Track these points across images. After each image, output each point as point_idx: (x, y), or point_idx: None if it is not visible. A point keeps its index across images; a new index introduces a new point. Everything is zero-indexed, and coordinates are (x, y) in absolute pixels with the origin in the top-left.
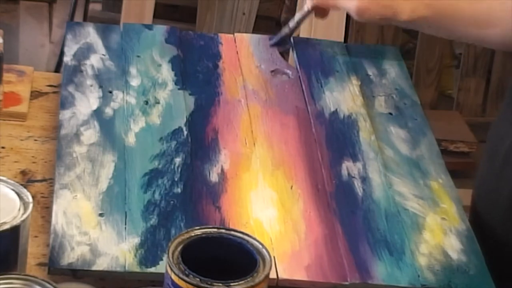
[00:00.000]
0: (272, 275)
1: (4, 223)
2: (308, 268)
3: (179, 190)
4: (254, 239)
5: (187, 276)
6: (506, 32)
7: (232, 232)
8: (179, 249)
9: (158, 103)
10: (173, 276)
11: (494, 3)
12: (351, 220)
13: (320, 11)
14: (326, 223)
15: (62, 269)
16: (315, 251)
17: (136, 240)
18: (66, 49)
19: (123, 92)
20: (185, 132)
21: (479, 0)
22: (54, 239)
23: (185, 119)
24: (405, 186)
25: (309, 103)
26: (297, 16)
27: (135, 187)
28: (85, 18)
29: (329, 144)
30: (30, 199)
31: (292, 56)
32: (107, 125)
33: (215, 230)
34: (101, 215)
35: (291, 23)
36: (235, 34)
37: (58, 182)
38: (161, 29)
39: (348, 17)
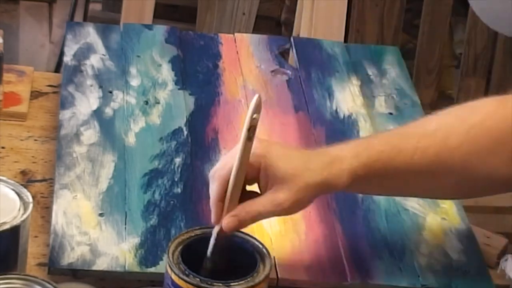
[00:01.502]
0: (272, 275)
1: (4, 223)
2: (308, 268)
3: (179, 190)
4: (254, 239)
5: (187, 276)
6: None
7: (232, 232)
8: (179, 249)
9: (158, 103)
10: (173, 276)
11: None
12: (351, 220)
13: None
14: (326, 223)
15: (62, 269)
16: (315, 251)
17: (136, 240)
18: (66, 49)
19: (123, 92)
20: (185, 132)
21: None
22: (54, 239)
23: (185, 119)
24: None
25: (309, 103)
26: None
27: (135, 187)
28: (85, 18)
29: (329, 144)
30: (30, 199)
31: (292, 56)
32: (107, 125)
33: None
34: (101, 215)
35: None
36: (235, 34)
37: (58, 182)
38: (161, 29)
39: (348, 17)
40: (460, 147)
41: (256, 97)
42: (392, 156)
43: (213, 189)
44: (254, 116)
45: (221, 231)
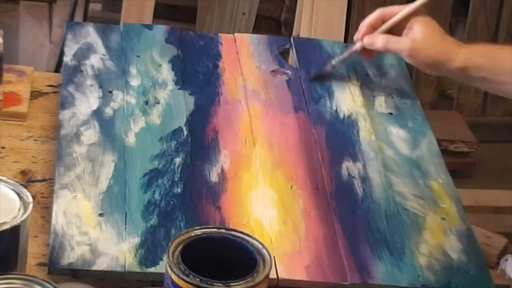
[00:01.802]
0: (272, 275)
1: (4, 223)
2: (308, 268)
3: (179, 190)
4: (254, 239)
5: (187, 276)
6: None
7: (232, 232)
8: (179, 249)
9: (158, 103)
10: (173, 276)
11: None
12: (351, 220)
13: (367, 52)
14: (326, 223)
15: (62, 269)
16: (315, 251)
17: (136, 240)
18: (66, 49)
19: (123, 92)
20: (185, 132)
21: None
22: (54, 239)
23: (185, 119)
24: (405, 186)
25: (309, 103)
26: (343, 54)
27: (135, 187)
28: (85, 18)
29: (329, 144)
30: (30, 199)
31: (292, 56)
32: (107, 125)
33: (215, 230)
34: (101, 215)
35: (335, 60)
36: (235, 34)
37: (58, 182)
38: (161, 29)
39: (348, 17)
40: None
41: None
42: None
43: (372, 15)
44: None
45: (361, 48)
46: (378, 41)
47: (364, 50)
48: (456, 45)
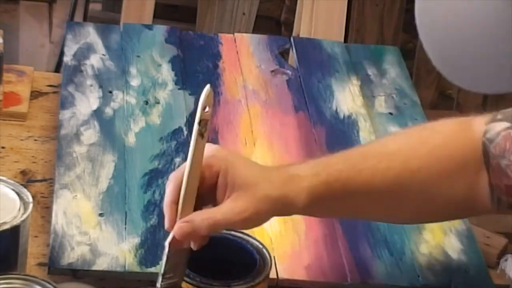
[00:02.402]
0: (272, 275)
1: (4, 223)
2: (308, 268)
3: None
4: (254, 239)
5: (187, 276)
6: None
7: (232, 232)
8: None
9: (158, 103)
10: None
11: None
12: (351, 220)
13: (180, 244)
14: (326, 223)
15: (62, 269)
16: (315, 251)
17: (136, 240)
18: (66, 49)
19: (123, 92)
20: (185, 132)
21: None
22: (54, 239)
23: (185, 119)
24: None
25: (309, 103)
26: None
27: (135, 187)
28: (85, 18)
29: (329, 144)
30: (30, 199)
31: (292, 56)
32: (107, 125)
33: None
34: (101, 215)
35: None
36: (235, 34)
37: (58, 182)
38: (161, 29)
39: (348, 17)
40: (421, 170)
41: (206, 88)
42: (351, 176)
43: (167, 191)
44: (206, 109)
45: (173, 240)
46: (198, 225)
47: (176, 242)
48: (286, 181)
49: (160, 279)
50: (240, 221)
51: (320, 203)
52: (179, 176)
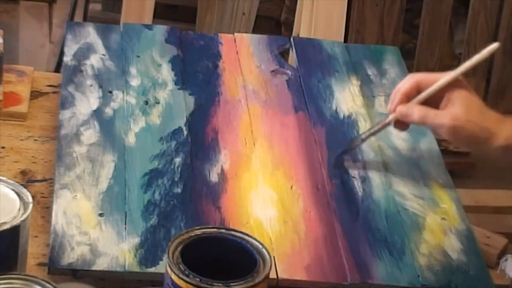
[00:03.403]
0: (272, 275)
1: (4, 223)
2: (308, 268)
3: (179, 190)
4: (254, 239)
5: (187, 276)
6: None
7: (232, 232)
8: (179, 249)
9: (158, 103)
10: (173, 276)
11: None
12: (351, 220)
13: (401, 124)
14: (326, 223)
15: (62, 269)
16: (315, 251)
17: (136, 240)
18: (66, 49)
19: (123, 92)
20: (185, 132)
21: None
22: (54, 239)
23: (185, 119)
24: (405, 186)
25: (309, 103)
26: (374, 127)
27: (135, 187)
28: (85, 18)
29: (329, 144)
30: (30, 199)
31: (292, 56)
32: (107, 125)
33: (215, 230)
34: (101, 215)
35: (364, 134)
36: (235, 34)
37: (58, 182)
38: (161, 29)
39: (348, 17)
40: None
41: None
42: None
43: (406, 83)
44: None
45: (396, 121)
46: (414, 113)
47: (399, 122)
48: (497, 121)
49: (359, 140)
50: (446, 126)
51: None
52: (423, 78)
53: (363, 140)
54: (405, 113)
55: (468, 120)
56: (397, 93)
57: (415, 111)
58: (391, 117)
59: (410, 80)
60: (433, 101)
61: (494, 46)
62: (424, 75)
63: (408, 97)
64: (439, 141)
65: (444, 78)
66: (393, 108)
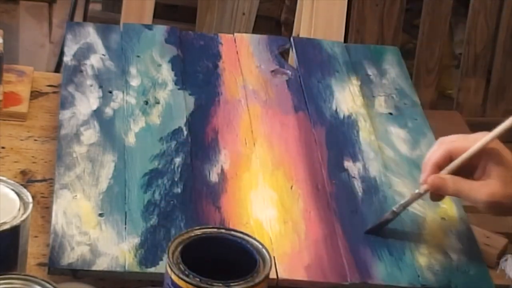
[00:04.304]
0: (272, 275)
1: (4, 223)
2: (308, 268)
3: (179, 190)
4: (254, 239)
5: (187, 276)
6: None
7: (232, 232)
8: (179, 249)
9: (158, 103)
10: (173, 276)
11: None
12: (351, 220)
13: (435, 195)
14: (326, 223)
15: (62, 269)
16: (315, 251)
17: (136, 240)
18: (66, 49)
19: (123, 92)
20: (185, 132)
21: None
22: (54, 239)
23: (185, 119)
24: (405, 186)
25: (309, 103)
26: (406, 200)
27: (135, 187)
28: (85, 18)
29: (329, 144)
30: (30, 199)
31: (292, 56)
32: (107, 125)
33: (215, 230)
34: (101, 215)
35: (396, 208)
36: (235, 34)
37: (58, 182)
38: (161, 29)
39: (348, 17)
40: None
41: None
42: None
43: (437, 152)
44: None
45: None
46: (447, 185)
47: (432, 193)
48: None
49: (391, 214)
50: (482, 201)
51: None
52: (455, 147)
53: (396, 214)
54: (437, 186)
55: (506, 195)
56: (428, 163)
57: (449, 183)
58: (423, 188)
59: (440, 148)
60: (467, 170)
61: None
62: (455, 142)
63: (440, 167)
64: None
65: (474, 146)
66: (425, 178)
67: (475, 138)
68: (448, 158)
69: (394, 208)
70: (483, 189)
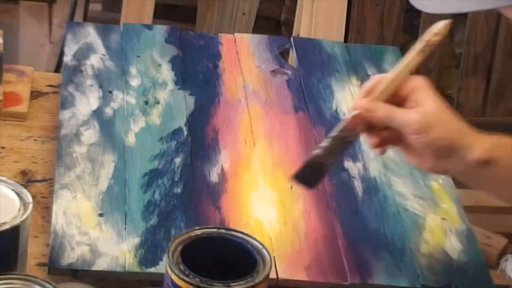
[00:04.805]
0: (272, 275)
1: (4, 223)
2: (308, 268)
3: (179, 190)
4: (254, 239)
5: (187, 276)
6: None
7: (232, 232)
8: (179, 249)
9: (158, 103)
10: (173, 276)
11: None
12: (351, 220)
13: (373, 134)
14: (326, 223)
15: (62, 269)
16: (315, 251)
17: (136, 240)
18: (66, 49)
19: (123, 92)
20: (185, 132)
21: None
22: (54, 239)
23: (185, 119)
24: (405, 186)
25: (309, 103)
26: (335, 129)
27: (135, 187)
28: (85, 18)
29: None
30: (30, 199)
31: (292, 56)
32: (107, 125)
33: (215, 230)
34: (101, 215)
35: (326, 141)
36: (235, 34)
37: (58, 182)
38: (161, 29)
39: (348, 17)
40: None
41: (446, 21)
42: None
43: (368, 82)
44: (436, 33)
45: (354, 117)
46: (379, 108)
47: (369, 130)
48: (474, 131)
49: (322, 145)
50: (416, 121)
51: (495, 168)
52: (381, 77)
53: (326, 148)
54: (367, 107)
55: (439, 119)
56: (359, 92)
57: (380, 106)
58: (352, 113)
59: (372, 79)
60: (397, 102)
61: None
62: (386, 74)
63: (369, 95)
64: None
65: (397, 68)
66: (355, 104)
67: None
68: (375, 86)
69: (323, 143)
70: (417, 112)
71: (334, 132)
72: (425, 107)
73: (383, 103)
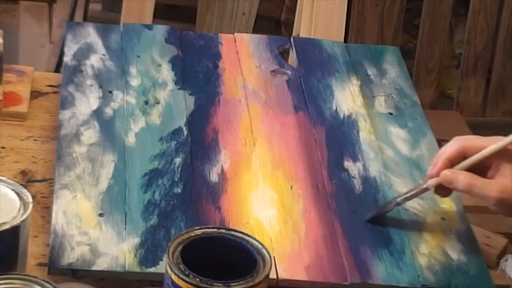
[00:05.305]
0: (272, 275)
1: (4, 223)
2: (308, 268)
3: (179, 190)
4: (254, 239)
5: (187, 276)
6: None
7: (232, 232)
8: (179, 249)
9: (158, 103)
10: (173, 276)
11: None
12: (351, 220)
13: (442, 190)
14: (326, 223)
15: (62, 269)
16: (315, 251)
17: (136, 240)
18: (66, 49)
19: (123, 92)
20: (185, 132)
21: None
22: (54, 239)
23: (185, 119)
24: (405, 186)
25: (309, 103)
26: (411, 192)
27: (135, 187)
28: (85, 18)
29: (329, 144)
30: (30, 199)
31: (292, 56)
32: (107, 125)
33: (215, 230)
34: (101, 215)
35: (400, 198)
36: (235, 34)
37: (58, 182)
38: (161, 29)
39: (348, 17)
40: None
41: None
42: None
43: (451, 148)
44: None
45: (436, 188)
46: (460, 180)
47: (440, 188)
48: None
49: (399, 199)
50: (493, 198)
51: None
52: (468, 144)
53: (398, 204)
54: (449, 179)
55: None
56: (441, 157)
57: (461, 178)
58: (431, 181)
59: (454, 144)
60: (479, 169)
61: None
62: (470, 140)
63: (452, 163)
64: (439, 141)
65: (492, 146)
66: (434, 172)
67: (489, 139)
68: (462, 155)
69: (397, 199)
70: (495, 185)
71: (409, 193)
72: (503, 179)
73: (463, 173)
